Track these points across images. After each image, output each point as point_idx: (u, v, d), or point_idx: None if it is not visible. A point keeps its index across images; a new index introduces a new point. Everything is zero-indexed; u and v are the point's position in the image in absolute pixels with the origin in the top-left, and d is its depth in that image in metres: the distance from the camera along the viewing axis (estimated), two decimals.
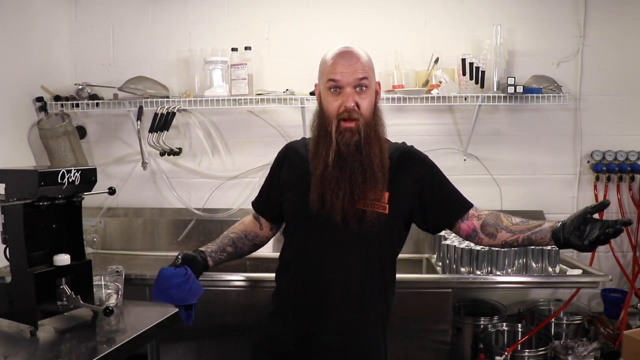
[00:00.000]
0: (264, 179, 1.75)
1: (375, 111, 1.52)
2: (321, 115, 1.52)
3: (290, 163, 1.65)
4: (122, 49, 3.00)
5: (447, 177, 1.67)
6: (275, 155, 1.75)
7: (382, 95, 2.76)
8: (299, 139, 1.77)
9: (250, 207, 1.84)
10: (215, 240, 1.78)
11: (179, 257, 1.68)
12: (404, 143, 1.67)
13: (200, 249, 1.74)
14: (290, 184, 1.61)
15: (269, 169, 1.74)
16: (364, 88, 1.48)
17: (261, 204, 1.78)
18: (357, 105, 1.46)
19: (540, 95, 2.74)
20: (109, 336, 1.70)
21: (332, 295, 1.51)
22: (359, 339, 1.54)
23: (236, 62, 2.76)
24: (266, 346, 1.64)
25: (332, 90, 1.48)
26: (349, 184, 1.45)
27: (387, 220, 1.51)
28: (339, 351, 1.52)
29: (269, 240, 1.85)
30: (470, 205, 1.66)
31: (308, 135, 2.96)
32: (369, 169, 1.46)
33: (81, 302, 1.75)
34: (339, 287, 1.51)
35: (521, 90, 2.67)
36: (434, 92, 2.71)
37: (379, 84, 1.59)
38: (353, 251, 1.52)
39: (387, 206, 1.50)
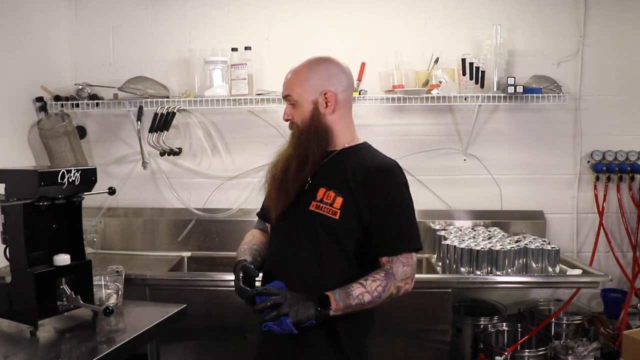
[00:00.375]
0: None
1: (314, 120, 1.58)
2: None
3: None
4: (122, 49, 3.00)
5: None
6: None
7: (382, 95, 2.78)
8: None
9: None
10: (244, 252, 1.69)
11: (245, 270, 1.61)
12: (392, 161, 1.59)
13: (239, 259, 1.66)
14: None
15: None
16: (292, 102, 1.61)
17: (263, 211, 1.81)
18: (291, 117, 1.62)
19: (540, 95, 2.74)
20: (109, 336, 1.70)
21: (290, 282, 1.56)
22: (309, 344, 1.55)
23: (236, 62, 2.76)
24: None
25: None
26: (284, 181, 1.59)
27: (336, 226, 1.52)
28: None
29: None
30: (393, 253, 1.51)
31: None
32: (288, 170, 1.58)
33: (81, 302, 1.76)
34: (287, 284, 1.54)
35: (521, 90, 2.67)
36: (434, 92, 2.71)
37: (326, 94, 1.58)
38: (303, 255, 1.56)
39: (338, 212, 1.52)
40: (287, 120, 1.64)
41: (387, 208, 1.52)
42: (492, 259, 2.39)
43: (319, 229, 1.53)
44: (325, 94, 1.58)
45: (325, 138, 1.59)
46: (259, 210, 1.83)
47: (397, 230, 1.52)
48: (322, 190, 1.55)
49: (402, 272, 1.49)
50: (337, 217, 1.52)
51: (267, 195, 1.69)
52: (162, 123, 2.78)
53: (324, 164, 1.59)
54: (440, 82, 2.72)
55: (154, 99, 2.78)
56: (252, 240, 1.76)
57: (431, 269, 2.65)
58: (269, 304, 1.41)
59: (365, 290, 1.45)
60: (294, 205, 1.58)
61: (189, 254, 2.94)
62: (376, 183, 1.52)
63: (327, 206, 1.53)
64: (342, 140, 1.62)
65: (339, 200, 1.53)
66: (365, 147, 1.65)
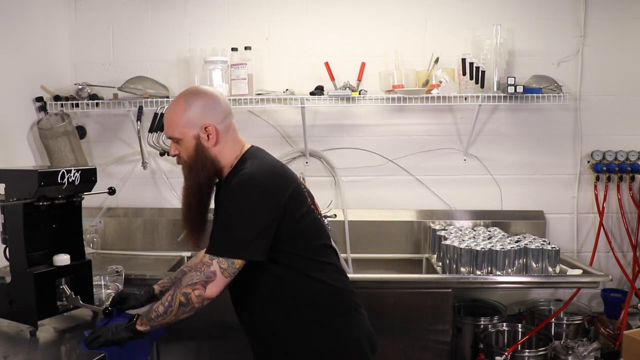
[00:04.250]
0: None
1: (198, 155, 1.61)
2: None
3: None
4: (122, 49, 3.00)
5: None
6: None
7: (382, 95, 2.78)
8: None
9: None
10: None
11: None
12: (246, 174, 1.55)
13: (154, 287, 1.87)
14: None
15: (295, 169, 1.89)
16: (176, 142, 1.63)
17: None
18: (178, 153, 1.65)
19: (540, 95, 2.74)
20: None
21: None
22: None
23: (236, 62, 2.76)
24: None
25: None
26: (190, 219, 1.69)
27: None
28: None
29: None
30: (207, 250, 1.54)
31: (308, 135, 2.96)
32: (190, 208, 1.66)
33: (81, 302, 1.76)
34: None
35: (521, 90, 2.67)
36: (434, 92, 2.71)
37: (208, 127, 1.59)
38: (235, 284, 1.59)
39: None
40: (174, 156, 1.67)
41: (217, 210, 1.62)
42: (492, 259, 2.38)
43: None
44: (205, 127, 1.59)
45: (213, 169, 1.62)
46: None
47: (216, 233, 1.55)
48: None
49: (190, 277, 1.51)
50: None
51: (185, 236, 1.77)
52: (162, 123, 2.78)
53: (216, 196, 1.67)
54: (440, 82, 2.72)
55: (154, 99, 2.78)
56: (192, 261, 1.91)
57: (431, 269, 2.65)
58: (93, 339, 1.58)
59: (160, 302, 1.54)
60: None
61: (188, 254, 2.93)
62: (225, 189, 1.59)
63: None
64: (227, 165, 1.65)
65: None
66: (243, 158, 1.64)
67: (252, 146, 1.70)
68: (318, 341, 1.59)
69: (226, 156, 1.64)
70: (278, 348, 1.62)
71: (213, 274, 1.49)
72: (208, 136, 1.60)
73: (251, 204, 1.51)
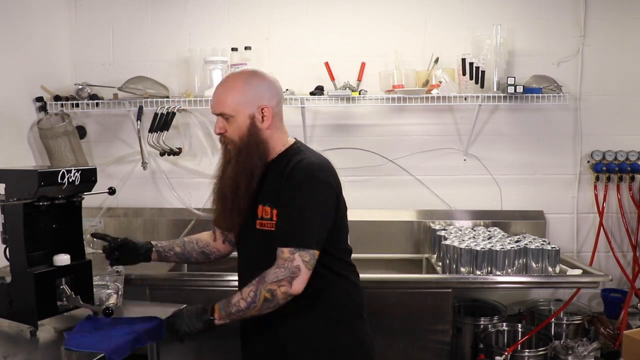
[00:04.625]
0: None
1: (249, 136, 1.58)
2: None
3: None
4: (122, 49, 3.00)
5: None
6: None
7: (382, 95, 2.78)
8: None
9: None
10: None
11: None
12: (316, 159, 1.59)
13: (152, 242, 1.86)
14: None
15: None
16: (226, 118, 1.59)
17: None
18: (224, 130, 1.60)
19: (540, 95, 2.74)
20: None
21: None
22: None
23: (236, 62, 2.76)
24: None
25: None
26: (230, 191, 1.61)
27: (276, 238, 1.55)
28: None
29: (222, 254, 1.93)
30: (280, 245, 1.51)
31: (308, 135, 2.96)
32: (234, 186, 1.59)
33: (81, 302, 1.75)
34: None
35: (521, 90, 2.67)
36: (434, 92, 2.71)
37: (263, 109, 1.59)
38: (256, 266, 1.57)
39: (275, 223, 1.56)
40: (218, 134, 1.63)
41: (287, 202, 1.53)
42: (492, 259, 2.38)
43: (271, 245, 1.54)
44: (262, 108, 1.59)
45: (265, 152, 1.60)
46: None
47: (288, 226, 1.51)
48: (260, 207, 1.59)
49: (274, 274, 1.47)
50: (274, 229, 1.56)
51: (218, 215, 1.72)
52: (162, 123, 2.78)
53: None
54: (440, 82, 2.72)
55: (154, 99, 2.78)
56: (191, 234, 1.96)
57: (431, 269, 2.65)
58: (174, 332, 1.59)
59: (241, 297, 1.50)
60: (244, 225, 1.63)
61: None
62: (285, 182, 1.53)
63: (268, 221, 1.56)
64: (276, 150, 1.64)
65: (275, 212, 1.56)
66: (295, 147, 1.66)
67: (295, 138, 1.72)
68: (340, 341, 1.60)
69: (275, 141, 1.62)
70: (297, 347, 1.60)
71: (297, 269, 1.46)
72: (263, 118, 1.59)
73: (320, 196, 1.53)
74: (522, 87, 2.67)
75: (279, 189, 1.54)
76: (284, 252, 1.48)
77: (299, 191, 1.51)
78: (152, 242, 1.85)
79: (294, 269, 1.46)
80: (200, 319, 1.53)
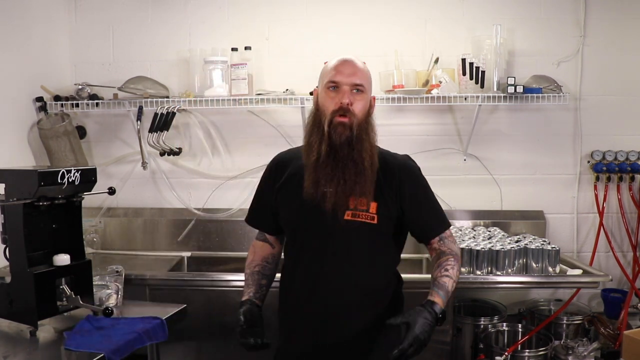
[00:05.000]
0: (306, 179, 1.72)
1: (368, 117, 1.58)
2: (316, 114, 1.59)
3: (279, 170, 1.69)
4: (122, 49, 3.00)
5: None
6: (274, 155, 1.76)
7: (382, 95, 2.78)
8: (290, 147, 1.83)
9: (248, 207, 1.82)
10: (247, 283, 1.73)
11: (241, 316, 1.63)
12: (406, 156, 1.70)
13: (243, 299, 1.68)
14: (284, 188, 1.65)
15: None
16: (359, 91, 1.55)
17: (258, 215, 1.77)
18: (351, 103, 1.53)
19: (540, 95, 2.74)
20: None
21: (332, 303, 1.58)
22: (361, 340, 1.59)
23: (236, 62, 2.76)
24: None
25: (330, 89, 1.55)
26: (342, 173, 1.51)
27: (377, 230, 1.57)
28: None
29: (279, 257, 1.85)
30: (438, 233, 1.65)
31: None
32: (360, 164, 1.52)
33: (81, 302, 1.76)
34: (338, 295, 1.58)
35: (521, 90, 2.67)
36: (434, 92, 2.71)
37: (374, 98, 1.65)
38: (347, 259, 1.57)
39: (375, 216, 1.56)
40: (347, 105, 1.52)
41: (421, 197, 1.63)
42: (492, 259, 2.38)
43: (356, 236, 1.55)
44: (373, 97, 1.64)
45: (372, 143, 1.58)
46: (250, 217, 1.79)
47: (435, 213, 1.65)
48: (351, 199, 1.53)
49: (457, 248, 1.65)
50: (375, 221, 1.55)
51: (307, 175, 1.55)
52: (162, 123, 2.78)
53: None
54: (440, 82, 2.72)
55: (154, 99, 2.78)
56: (252, 261, 1.77)
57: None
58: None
59: (453, 280, 1.57)
60: (315, 215, 1.55)
61: (188, 254, 2.94)
62: (403, 179, 1.59)
63: (363, 212, 1.55)
64: None
65: (373, 205, 1.56)
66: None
67: None
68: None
69: None
70: (377, 325, 1.61)
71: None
72: (372, 107, 1.61)
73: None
74: (522, 87, 2.67)
75: (377, 182, 1.56)
76: (448, 233, 1.65)
77: (422, 179, 1.65)
78: (252, 300, 1.68)
79: (457, 248, 1.66)
80: (434, 324, 1.50)
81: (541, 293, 3.03)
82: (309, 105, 2.82)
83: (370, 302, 1.60)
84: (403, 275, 1.76)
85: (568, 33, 2.93)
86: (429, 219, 1.64)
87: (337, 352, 1.58)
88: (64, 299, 1.75)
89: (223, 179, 3.01)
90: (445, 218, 1.68)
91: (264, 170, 1.76)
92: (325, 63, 1.63)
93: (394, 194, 1.58)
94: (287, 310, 1.68)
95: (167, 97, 2.82)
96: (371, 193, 1.54)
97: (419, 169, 1.67)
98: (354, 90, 1.54)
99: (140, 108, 2.79)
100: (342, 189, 1.51)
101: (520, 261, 2.42)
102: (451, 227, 1.68)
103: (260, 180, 1.76)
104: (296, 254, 1.64)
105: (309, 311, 1.60)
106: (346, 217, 1.54)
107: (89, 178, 1.79)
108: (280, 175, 1.66)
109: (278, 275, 1.77)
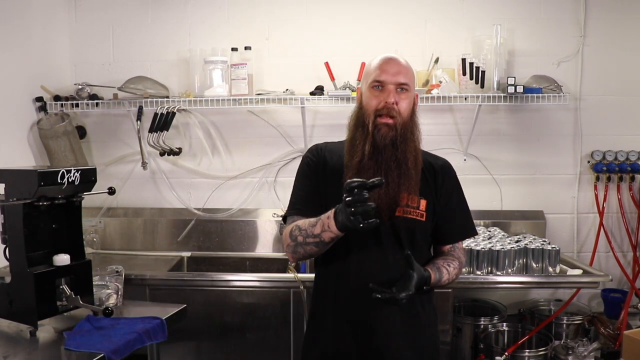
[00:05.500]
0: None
1: (412, 116, 1.57)
2: (360, 112, 1.57)
3: (323, 159, 1.61)
4: (122, 49, 3.00)
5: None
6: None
7: None
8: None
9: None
10: (311, 221, 1.51)
11: None
12: (445, 159, 1.71)
13: (328, 215, 1.48)
14: (329, 180, 1.57)
15: (296, 171, 1.66)
16: (404, 90, 1.53)
17: (310, 203, 1.58)
18: (397, 102, 1.51)
19: (540, 95, 2.74)
20: None
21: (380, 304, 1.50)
22: (411, 340, 1.58)
23: (236, 62, 2.76)
24: None
25: (375, 88, 1.54)
26: (385, 176, 1.46)
27: (424, 227, 1.59)
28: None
29: None
30: (456, 240, 1.68)
31: (308, 135, 2.97)
32: (403, 165, 1.51)
33: (81, 302, 1.76)
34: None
35: (521, 90, 2.67)
36: (434, 92, 2.71)
37: (417, 95, 1.62)
38: (396, 256, 1.54)
39: (424, 214, 1.57)
40: (392, 104, 1.50)
41: (455, 201, 1.65)
42: (492, 259, 2.38)
43: (405, 233, 1.55)
44: (416, 94, 1.61)
45: (416, 144, 1.56)
46: (300, 206, 1.59)
47: (462, 220, 1.67)
48: (403, 195, 1.52)
49: (464, 260, 1.68)
50: (424, 219, 1.57)
51: (349, 177, 1.44)
52: (162, 123, 2.78)
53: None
54: (440, 82, 2.72)
55: (154, 99, 2.78)
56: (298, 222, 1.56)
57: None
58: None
59: (448, 278, 1.57)
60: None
61: (188, 254, 2.94)
62: (444, 181, 1.63)
63: (414, 210, 1.55)
64: None
65: (423, 202, 1.57)
66: None
67: None
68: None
69: None
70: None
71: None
72: (416, 105, 1.59)
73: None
74: (522, 87, 2.67)
75: (424, 180, 1.58)
76: (461, 243, 1.68)
77: (459, 187, 1.68)
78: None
79: (465, 259, 1.70)
80: (421, 289, 1.48)
81: (541, 293, 3.03)
82: (309, 105, 2.84)
83: (412, 300, 1.54)
84: None
85: (568, 33, 2.93)
86: (456, 225, 1.66)
87: (381, 353, 1.55)
88: (64, 299, 1.75)
89: (223, 179, 3.01)
90: (472, 227, 1.70)
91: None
92: (367, 62, 1.61)
93: (435, 193, 1.61)
94: (331, 312, 1.60)
95: (167, 97, 2.82)
96: (417, 192, 1.54)
97: (456, 174, 1.69)
98: (399, 89, 1.52)
99: (140, 108, 2.79)
100: (384, 192, 1.48)
101: (520, 261, 2.42)
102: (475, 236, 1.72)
103: (302, 168, 1.64)
104: (343, 254, 1.56)
105: (359, 311, 1.55)
106: (397, 214, 1.53)
107: (89, 178, 1.79)
108: (324, 165, 1.60)
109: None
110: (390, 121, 1.50)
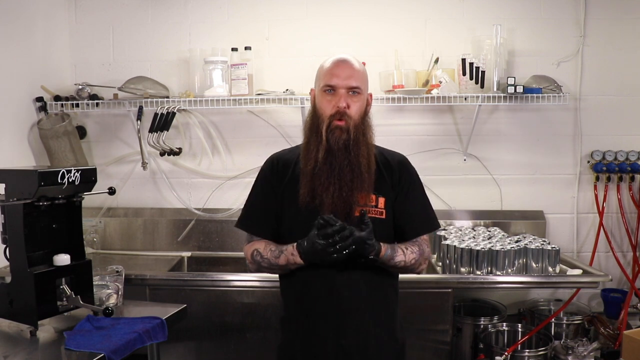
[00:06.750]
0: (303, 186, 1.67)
1: (364, 117, 1.60)
2: (314, 116, 1.61)
3: (281, 171, 1.65)
4: (122, 49, 3.00)
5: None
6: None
7: (382, 95, 2.78)
8: (283, 149, 1.78)
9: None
10: (272, 248, 1.62)
11: None
12: (402, 155, 1.72)
13: (290, 247, 1.59)
14: (288, 190, 1.61)
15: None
16: (356, 93, 1.57)
17: (257, 220, 1.66)
18: (348, 106, 1.55)
19: (540, 95, 2.74)
20: None
21: (343, 299, 1.56)
22: (373, 339, 1.59)
23: (236, 62, 2.76)
24: None
25: (326, 92, 1.57)
26: (338, 180, 1.52)
27: (385, 225, 1.59)
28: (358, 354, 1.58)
29: None
30: (420, 233, 1.66)
31: None
32: (356, 168, 1.54)
33: (81, 302, 1.76)
34: (348, 291, 1.56)
35: (521, 90, 2.67)
36: (434, 92, 2.71)
37: (371, 95, 1.67)
38: (359, 263, 1.54)
39: (384, 211, 1.59)
40: (343, 109, 1.53)
41: (414, 196, 1.64)
42: (492, 259, 2.38)
43: (377, 231, 1.54)
44: (370, 94, 1.65)
45: (368, 145, 1.58)
46: (247, 222, 1.68)
47: (423, 214, 1.65)
48: (361, 195, 1.54)
49: (428, 251, 1.65)
50: (384, 216, 1.58)
51: (303, 183, 1.55)
52: (162, 123, 2.78)
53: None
54: (440, 82, 2.72)
55: (154, 99, 2.78)
56: (256, 244, 1.65)
57: (431, 269, 2.65)
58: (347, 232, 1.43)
59: (404, 259, 1.57)
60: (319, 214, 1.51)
61: (189, 254, 2.94)
62: (401, 176, 1.63)
63: (373, 208, 1.57)
64: None
65: (382, 200, 1.59)
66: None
67: None
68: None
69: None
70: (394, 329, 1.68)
71: (430, 252, 1.68)
72: (369, 105, 1.62)
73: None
74: (522, 87, 2.67)
75: (381, 178, 1.60)
76: (424, 237, 1.65)
77: (418, 182, 1.67)
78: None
79: (429, 251, 1.66)
80: (368, 251, 1.48)
81: (541, 293, 3.03)
82: (309, 105, 2.83)
83: (379, 297, 1.62)
84: (402, 275, 1.75)
85: (568, 33, 2.93)
86: (417, 219, 1.64)
87: (353, 350, 1.57)
88: (64, 299, 1.75)
89: (223, 179, 3.01)
90: (434, 220, 1.68)
91: (257, 174, 1.71)
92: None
93: (393, 189, 1.61)
94: (300, 313, 1.62)
95: (167, 97, 2.83)
96: (371, 191, 1.56)
97: (415, 169, 1.69)
98: (350, 93, 1.56)
99: (140, 108, 2.79)
100: (338, 195, 1.52)
101: (520, 261, 2.42)
102: (440, 229, 1.69)
103: (257, 182, 1.70)
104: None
105: (327, 310, 1.57)
106: (357, 214, 1.54)
107: (89, 178, 1.79)
108: (283, 176, 1.63)
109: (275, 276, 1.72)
110: (342, 124, 1.54)
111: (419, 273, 1.66)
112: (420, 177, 1.70)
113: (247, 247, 1.67)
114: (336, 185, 1.52)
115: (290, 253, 1.53)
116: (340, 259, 1.45)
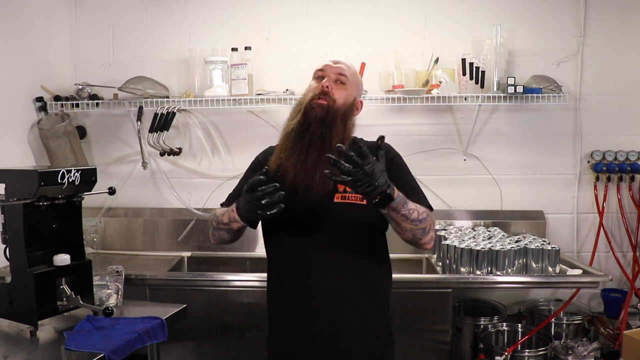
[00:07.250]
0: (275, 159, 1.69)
1: (348, 111, 1.61)
2: (299, 101, 1.65)
3: (269, 160, 1.66)
4: (122, 49, 3.00)
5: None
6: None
7: (382, 95, 2.78)
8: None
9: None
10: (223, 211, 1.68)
11: None
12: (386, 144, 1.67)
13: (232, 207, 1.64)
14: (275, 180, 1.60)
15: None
16: (342, 83, 1.62)
17: (237, 199, 1.65)
18: (332, 90, 1.59)
19: (540, 95, 2.74)
20: None
21: (322, 287, 1.56)
22: (347, 328, 1.58)
23: (236, 62, 2.76)
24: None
25: (317, 79, 1.65)
26: (305, 150, 1.53)
27: (366, 210, 1.54)
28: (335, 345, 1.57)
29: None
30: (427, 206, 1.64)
31: None
32: (327, 142, 1.54)
33: (81, 302, 1.76)
34: (337, 281, 1.57)
35: (521, 90, 2.67)
36: (434, 92, 2.71)
37: (361, 102, 1.71)
38: (337, 244, 1.57)
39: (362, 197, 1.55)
40: (325, 88, 1.58)
41: (404, 181, 1.62)
42: (492, 259, 2.38)
43: (345, 218, 1.57)
44: (361, 100, 1.71)
45: (345, 131, 1.59)
46: (227, 201, 1.76)
47: (416, 198, 1.58)
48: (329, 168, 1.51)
49: (434, 220, 1.62)
50: (364, 202, 1.54)
51: (274, 153, 1.62)
52: (162, 123, 2.78)
53: None
54: (440, 82, 2.72)
55: (154, 99, 2.78)
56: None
57: (431, 269, 2.65)
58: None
59: (416, 209, 1.51)
60: (303, 200, 1.54)
61: (189, 254, 2.94)
62: (392, 158, 1.65)
63: (352, 194, 1.57)
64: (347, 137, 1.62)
65: None
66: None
67: None
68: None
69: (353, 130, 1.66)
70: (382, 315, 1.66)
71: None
72: (356, 107, 1.67)
73: None
74: (522, 87, 2.67)
75: None
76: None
77: (404, 166, 1.70)
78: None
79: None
80: (383, 195, 1.41)
81: (541, 293, 3.03)
82: None
83: (360, 286, 1.59)
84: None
85: (568, 33, 2.93)
86: (411, 195, 1.59)
87: (325, 340, 1.56)
88: (64, 299, 1.75)
89: (223, 179, 3.01)
90: (427, 203, 1.63)
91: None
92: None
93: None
94: (282, 305, 1.64)
95: (167, 97, 2.83)
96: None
97: (398, 153, 1.73)
98: (337, 81, 1.61)
99: (140, 108, 2.80)
100: (301, 168, 1.53)
101: (520, 261, 2.42)
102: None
103: (248, 168, 1.79)
104: (288, 244, 1.62)
105: (308, 302, 1.57)
106: (336, 200, 1.56)
107: (89, 178, 1.79)
108: (267, 163, 1.64)
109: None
110: (323, 102, 1.57)
111: (427, 248, 1.58)
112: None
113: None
114: (302, 154, 1.53)
115: (231, 209, 1.59)
116: (271, 216, 1.43)
